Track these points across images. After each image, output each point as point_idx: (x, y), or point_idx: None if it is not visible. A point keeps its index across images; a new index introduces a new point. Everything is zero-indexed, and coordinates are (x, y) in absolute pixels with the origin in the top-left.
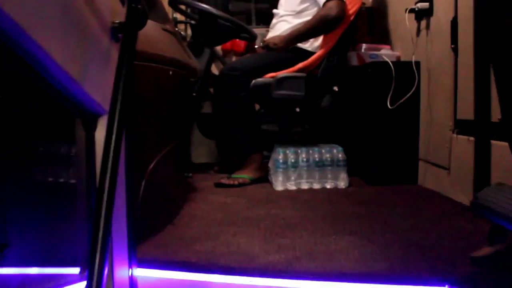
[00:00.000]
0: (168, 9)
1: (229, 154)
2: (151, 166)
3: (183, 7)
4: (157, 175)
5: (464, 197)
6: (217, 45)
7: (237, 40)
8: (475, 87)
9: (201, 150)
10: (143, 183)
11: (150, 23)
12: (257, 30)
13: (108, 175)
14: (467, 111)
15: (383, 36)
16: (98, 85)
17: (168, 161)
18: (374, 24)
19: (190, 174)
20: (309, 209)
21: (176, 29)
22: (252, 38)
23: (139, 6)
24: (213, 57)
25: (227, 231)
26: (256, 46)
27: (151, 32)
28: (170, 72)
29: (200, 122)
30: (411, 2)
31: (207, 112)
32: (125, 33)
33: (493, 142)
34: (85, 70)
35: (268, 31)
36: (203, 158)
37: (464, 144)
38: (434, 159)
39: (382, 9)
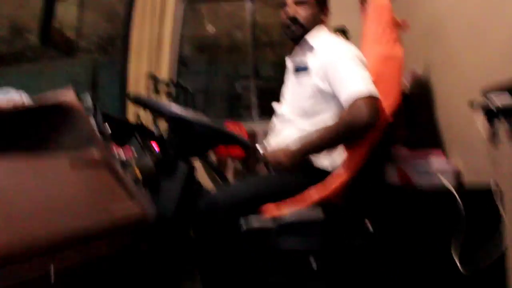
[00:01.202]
0: None
1: None
2: None
3: None
4: None
5: None
6: (197, 157)
7: None
8: None
9: None
10: None
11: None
12: (260, 126)
13: None
14: None
15: (428, 133)
16: None
17: None
18: (415, 113)
19: None
20: None
21: None
22: (246, 148)
23: None
24: (193, 176)
25: None
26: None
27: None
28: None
29: None
30: (475, 89)
31: None
32: None
33: None
34: None
35: None
36: None
37: None
38: None
39: (426, 95)
